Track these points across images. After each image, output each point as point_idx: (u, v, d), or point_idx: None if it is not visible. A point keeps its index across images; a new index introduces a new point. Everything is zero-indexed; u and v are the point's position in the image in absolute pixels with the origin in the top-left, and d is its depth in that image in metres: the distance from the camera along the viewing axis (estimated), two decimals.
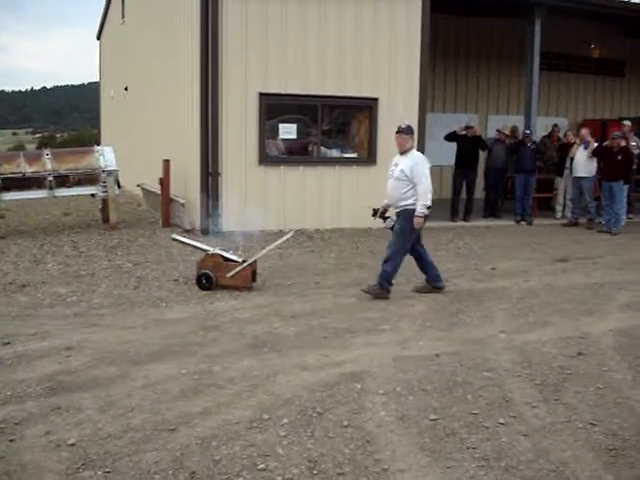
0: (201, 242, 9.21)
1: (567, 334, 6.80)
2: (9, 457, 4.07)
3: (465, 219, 14.96)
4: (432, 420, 4.67)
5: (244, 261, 8.43)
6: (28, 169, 12.34)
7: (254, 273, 8.57)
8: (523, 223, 15.04)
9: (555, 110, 20.97)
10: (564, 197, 15.92)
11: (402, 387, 5.27)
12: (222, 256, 8.47)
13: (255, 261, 8.58)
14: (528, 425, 4.63)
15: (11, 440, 4.28)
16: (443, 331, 6.86)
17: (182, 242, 9.14)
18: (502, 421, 4.67)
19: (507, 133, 15.74)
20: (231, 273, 8.33)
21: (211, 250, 8.55)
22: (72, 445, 4.21)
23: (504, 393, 5.20)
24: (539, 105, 16.07)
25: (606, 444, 4.39)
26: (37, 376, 5.38)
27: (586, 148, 14.53)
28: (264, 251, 8.85)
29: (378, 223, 13.55)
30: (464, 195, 15.07)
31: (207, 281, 8.34)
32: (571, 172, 15.09)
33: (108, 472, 3.91)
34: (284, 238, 8.87)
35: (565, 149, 15.53)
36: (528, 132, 15.17)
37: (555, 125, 17.60)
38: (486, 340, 6.57)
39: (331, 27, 13.22)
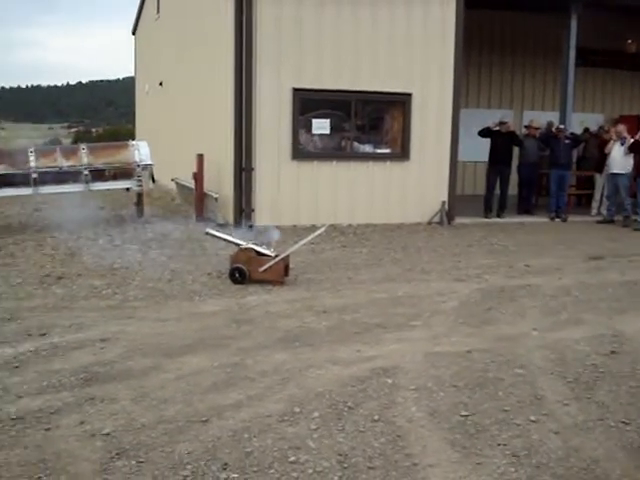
0: (234, 236, 9.27)
1: (600, 332, 6.75)
2: (45, 446, 4.15)
3: (499, 215, 14.87)
4: (463, 416, 4.67)
5: (277, 255, 8.47)
6: (65, 163, 12.51)
7: (287, 267, 8.60)
8: (557, 220, 14.90)
9: (591, 106, 20.73)
10: (601, 194, 15.77)
11: (433, 383, 5.28)
12: (255, 250, 8.52)
13: (288, 256, 8.61)
14: (559, 423, 4.61)
15: (47, 429, 4.36)
16: (475, 328, 6.84)
17: (216, 236, 9.20)
18: (533, 418, 4.66)
19: (536, 126, 15.63)
20: (264, 267, 8.37)
21: (244, 244, 8.61)
22: (106, 435, 4.28)
23: (536, 390, 5.18)
24: (574, 101, 15.91)
25: (638, 443, 4.35)
26: (72, 367, 5.46)
27: (622, 144, 14.36)
28: (297, 246, 8.89)
29: (411, 219, 13.65)
30: (498, 191, 14.98)
31: (240, 275, 8.40)
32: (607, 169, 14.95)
33: (142, 462, 3.97)
34: (317, 233, 8.91)
35: (603, 145, 15.37)
36: (562, 127, 15.03)
37: (601, 127, 17.41)
38: (518, 337, 6.54)
39: (365, 22, 13.19)
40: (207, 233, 9.25)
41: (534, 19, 17.88)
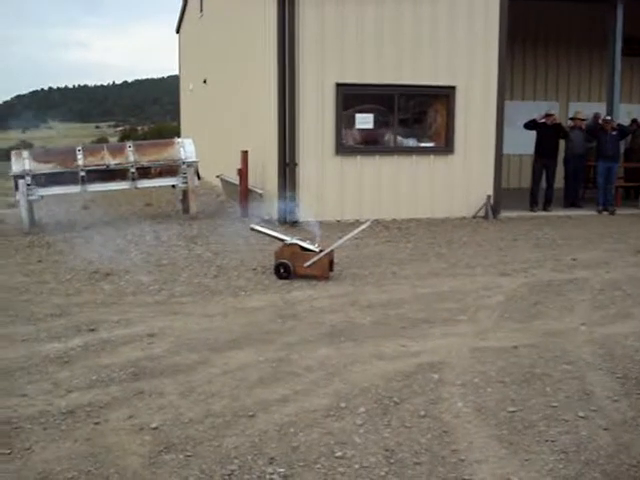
0: (279, 232, 9.29)
1: None
2: (94, 439, 4.21)
3: (545, 209, 14.69)
4: (510, 412, 4.63)
5: (321, 251, 8.49)
6: (112, 161, 12.69)
7: (331, 263, 8.61)
8: (605, 213, 14.67)
9: (638, 97, 20.33)
10: None
11: (480, 378, 5.24)
12: (300, 246, 8.54)
13: (332, 251, 8.61)
14: (609, 419, 4.54)
15: (96, 423, 4.42)
16: (521, 323, 6.78)
17: (260, 232, 9.25)
18: (582, 414, 4.60)
19: (582, 118, 15.39)
20: (308, 262, 8.39)
21: (289, 240, 8.64)
22: (155, 429, 4.33)
23: (584, 386, 5.11)
24: (622, 91, 15.62)
25: None
26: (121, 362, 5.54)
27: None
28: (341, 241, 8.89)
29: (455, 213, 13.57)
30: (544, 184, 14.80)
31: (285, 270, 8.43)
32: None
33: (189, 456, 4.01)
34: (361, 228, 8.89)
35: None
36: (609, 118, 14.80)
37: None
38: (566, 332, 6.46)
39: (407, 15, 13.13)
40: (252, 229, 9.30)
41: (579, 9, 17.59)
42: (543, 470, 3.89)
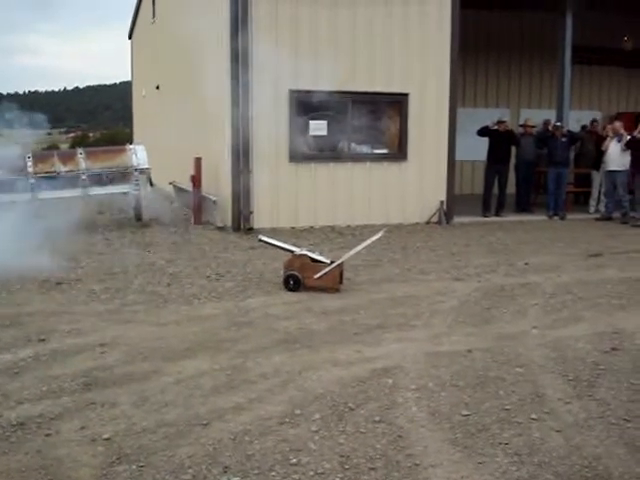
0: (286, 243, 9.01)
1: (601, 329, 6.74)
2: (45, 451, 4.13)
3: (497, 214, 14.87)
4: (464, 416, 4.66)
5: (332, 262, 8.29)
6: (62, 168, 12.50)
7: (341, 274, 8.40)
8: (556, 218, 14.91)
9: (588, 103, 20.73)
10: (599, 191, 15.78)
11: (434, 383, 5.27)
12: (309, 257, 8.32)
13: (342, 262, 8.41)
14: (561, 421, 4.60)
15: (47, 435, 4.34)
16: (475, 327, 6.84)
17: (269, 243, 8.92)
18: (535, 417, 4.65)
19: (531, 124, 15.67)
20: (319, 274, 8.19)
21: (298, 251, 8.42)
22: (107, 440, 4.27)
23: (537, 389, 5.17)
24: (571, 99, 15.91)
25: None
26: (72, 372, 5.45)
27: (619, 141, 14.38)
28: (352, 252, 8.61)
29: (409, 219, 13.65)
30: (496, 190, 14.99)
31: (294, 282, 8.19)
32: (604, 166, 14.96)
33: (142, 466, 3.95)
34: (374, 238, 8.61)
35: (600, 142, 15.37)
36: (559, 124, 15.05)
37: (594, 120, 17.39)
38: (519, 336, 6.53)
39: (361, 22, 13.20)
40: (260, 240, 8.99)
41: (530, 17, 17.91)
42: (497, 473, 3.92)
